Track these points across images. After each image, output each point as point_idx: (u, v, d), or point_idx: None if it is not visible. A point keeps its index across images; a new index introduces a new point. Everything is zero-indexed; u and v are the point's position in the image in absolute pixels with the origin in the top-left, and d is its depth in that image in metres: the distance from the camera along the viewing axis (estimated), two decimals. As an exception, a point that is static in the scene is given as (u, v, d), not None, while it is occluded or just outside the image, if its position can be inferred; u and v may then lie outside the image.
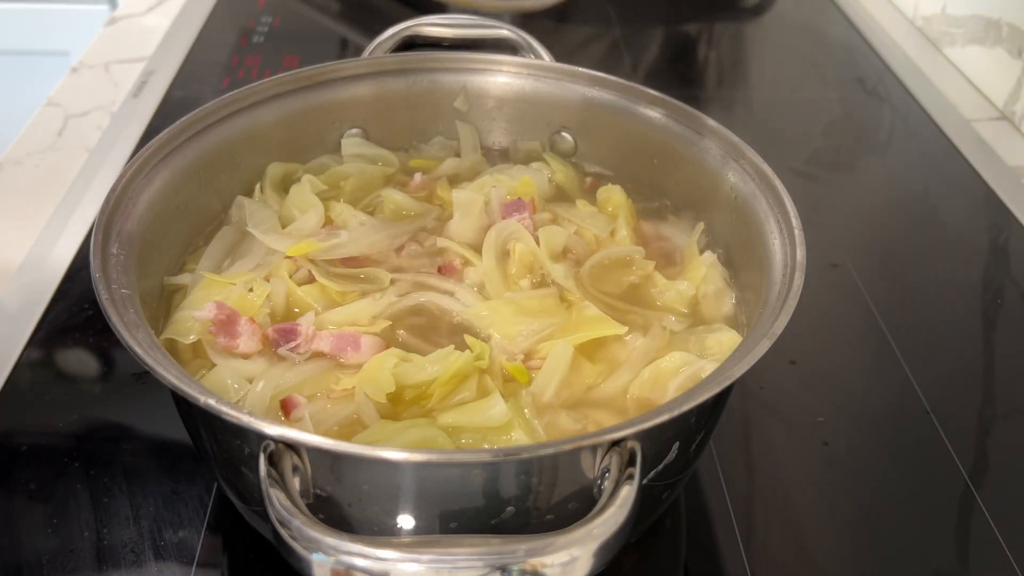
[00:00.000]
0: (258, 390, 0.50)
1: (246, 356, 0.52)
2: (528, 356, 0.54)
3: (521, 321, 0.55)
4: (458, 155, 0.71)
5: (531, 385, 0.51)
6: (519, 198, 0.63)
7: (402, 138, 0.71)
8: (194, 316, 0.53)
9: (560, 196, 0.68)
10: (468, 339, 0.53)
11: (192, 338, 0.53)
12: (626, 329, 0.55)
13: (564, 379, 0.52)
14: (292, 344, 0.52)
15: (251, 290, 0.56)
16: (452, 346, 0.52)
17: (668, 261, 0.62)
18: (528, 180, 0.66)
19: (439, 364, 0.50)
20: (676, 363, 0.53)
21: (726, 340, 0.55)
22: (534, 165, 0.69)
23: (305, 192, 0.64)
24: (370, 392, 0.49)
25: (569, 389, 0.52)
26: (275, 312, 0.56)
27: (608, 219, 0.64)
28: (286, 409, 0.49)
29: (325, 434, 0.46)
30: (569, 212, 0.65)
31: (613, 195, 0.66)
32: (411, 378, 0.50)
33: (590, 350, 0.54)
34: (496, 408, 0.48)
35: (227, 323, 0.53)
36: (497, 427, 0.48)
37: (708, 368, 0.52)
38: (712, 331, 0.56)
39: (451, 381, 0.50)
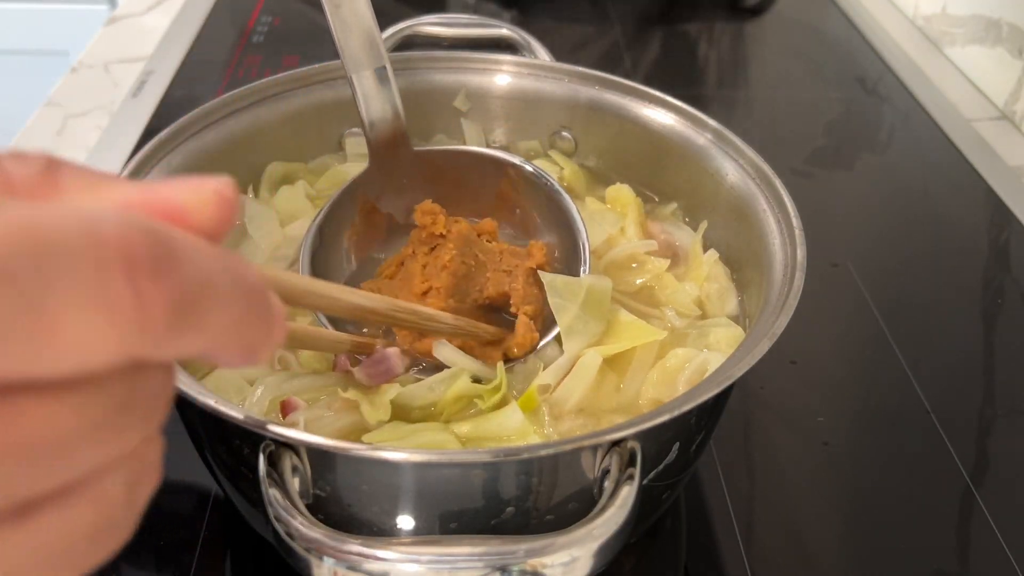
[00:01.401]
0: (258, 394, 0.50)
1: None
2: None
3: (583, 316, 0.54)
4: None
5: (553, 394, 0.51)
6: None
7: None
8: None
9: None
10: (500, 367, 0.51)
11: None
12: (665, 334, 0.54)
13: (588, 389, 0.51)
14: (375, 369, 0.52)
15: None
16: (462, 367, 0.51)
17: (673, 260, 0.62)
18: None
19: (442, 386, 0.50)
20: (680, 359, 0.53)
21: (726, 334, 0.54)
22: (537, 163, 0.69)
23: (298, 196, 0.63)
24: (365, 412, 0.48)
25: (590, 397, 0.51)
26: None
27: (617, 216, 0.64)
28: (284, 411, 0.49)
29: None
30: (579, 209, 0.64)
31: (622, 193, 0.65)
32: (415, 401, 0.49)
33: (612, 357, 0.53)
34: (514, 417, 0.48)
35: None
36: (513, 436, 0.48)
37: (712, 359, 0.52)
38: (713, 325, 0.56)
39: (456, 402, 0.50)
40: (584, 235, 0.57)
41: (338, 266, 0.59)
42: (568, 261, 0.58)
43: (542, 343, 0.53)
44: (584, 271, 0.56)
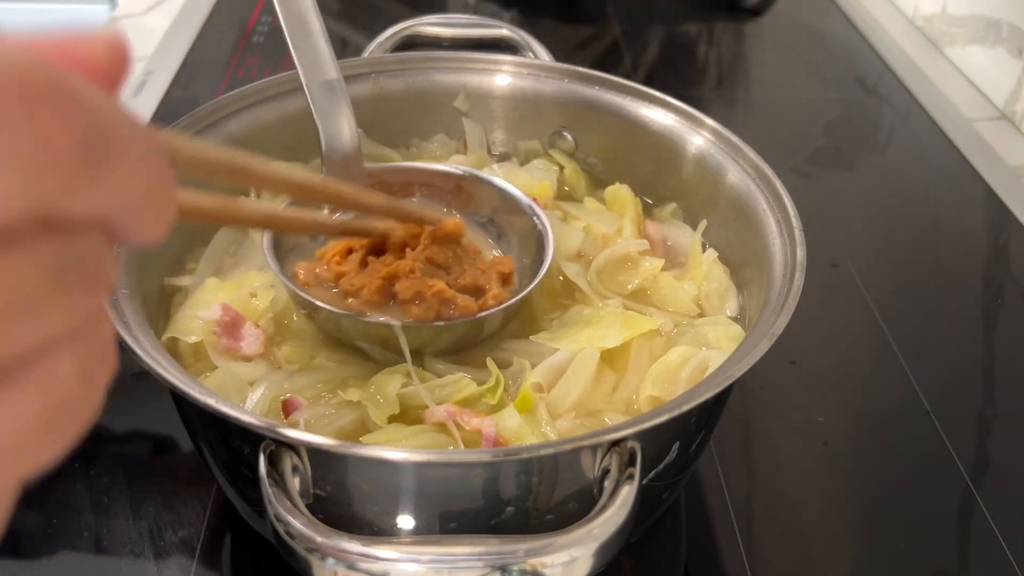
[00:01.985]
0: (259, 393, 0.50)
1: (248, 359, 0.52)
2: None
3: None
4: (459, 152, 0.71)
5: (551, 392, 0.51)
6: (534, 199, 0.63)
7: (403, 137, 0.71)
8: (199, 316, 0.53)
9: (567, 194, 0.68)
10: (489, 363, 0.51)
11: (195, 338, 0.53)
12: (660, 322, 0.54)
13: (586, 387, 0.51)
14: None
15: (254, 296, 0.55)
16: (463, 374, 0.51)
17: (672, 260, 0.62)
18: (547, 185, 0.65)
19: (447, 390, 0.50)
20: (680, 357, 0.52)
21: (725, 331, 0.54)
22: (537, 162, 0.69)
23: None
24: (373, 414, 0.48)
25: (588, 396, 0.51)
26: (278, 318, 0.55)
27: (615, 216, 0.64)
28: (286, 410, 0.49)
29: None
30: (578, 210, 0.65)
31: (621, 193, 0.65)
32: (416, 401, 0.49)
33: (609, 354, 0.53)
34: (511, 420, 0.48)
35: (232, 325, 0.53)
36: (512, 438, 0.48)
37: (712, 357, 0.52)
38: (712, 324, 0.56)
39: (457, 404, 0.50)
40: (547, 226, 0.56)
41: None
42: (535, 260, 0.57)
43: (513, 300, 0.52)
44: (546, 260, 0.55)
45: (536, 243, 0.57)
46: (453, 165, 0.62)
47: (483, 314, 0.51)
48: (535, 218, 0.57)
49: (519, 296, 0.52)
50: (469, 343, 0.53)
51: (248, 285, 0.56)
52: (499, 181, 0.60)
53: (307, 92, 0.57)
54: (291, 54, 0.56)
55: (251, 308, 0.55)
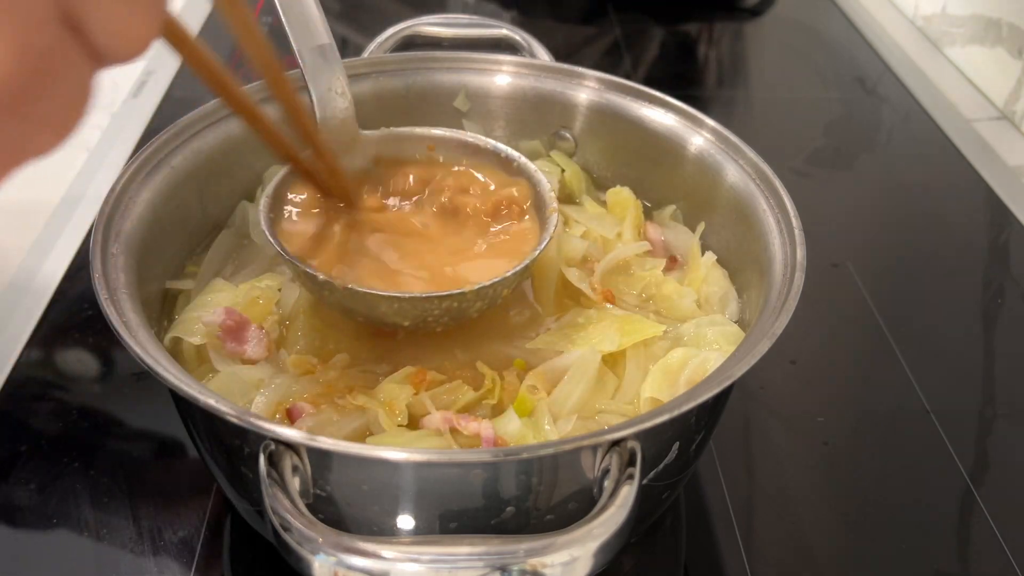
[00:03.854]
0: (263, 397, 0.50)
1: (252, 362, 0.52)
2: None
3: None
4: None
5: (552, 395, 0.51)
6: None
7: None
8: (203, 320, 0.53)
9: (566, 196, 0.68)
10: (480, 366, 0.52)
11: (198, 340, 0.53)
12: (663, 328, 0.54)
13: (587, 389, 0.51)
14: None
15: (259, 299, 0.55)
16: (461, 380, 0.51)
17: (670, 263, 0.62)
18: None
19: (450, 396, 0.50)
20: (680, 358, 0.52)
21: (724, 332, 0.54)
22: (539, 164, 0.69)
23: None
24: (382, 419, 0.48)
25: (589, 398, 0.51)
26: (283, 321, 0.55)
27: (615, 220, 0.64)
28: (291, 419, 0.49)
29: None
30: (578, 213, 0.64)
31: (622, 196, 0.65)
32: (418, 410, 0.49)
33: (610, 356, 0.53)
34: (512, 424, 0.48)
35: (235, 329, 0.52)
36: (512, 442, 0.48)
37: (712, 358, 0.52)
38: (711, 324, 0.56)
39: (461, 411, 0.50)
40: (547, 188, 0.56)
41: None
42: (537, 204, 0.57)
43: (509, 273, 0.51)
44: (549, 227, 0.54)
45: (537, 207, 0.56)
46: (459, 131, 0.61)
47: (489, 282, 0.50)
48: (535, 184, 0.57)
49: (524, 263, 0.51)
50: (468, 314, 0.52)
51: (253, 288, 0.56)
52: (498, 145, 0.59)
53: (299, 58, 0.55)
54: (280, 17, 0.55)
55: (256, 310, 0.54)
